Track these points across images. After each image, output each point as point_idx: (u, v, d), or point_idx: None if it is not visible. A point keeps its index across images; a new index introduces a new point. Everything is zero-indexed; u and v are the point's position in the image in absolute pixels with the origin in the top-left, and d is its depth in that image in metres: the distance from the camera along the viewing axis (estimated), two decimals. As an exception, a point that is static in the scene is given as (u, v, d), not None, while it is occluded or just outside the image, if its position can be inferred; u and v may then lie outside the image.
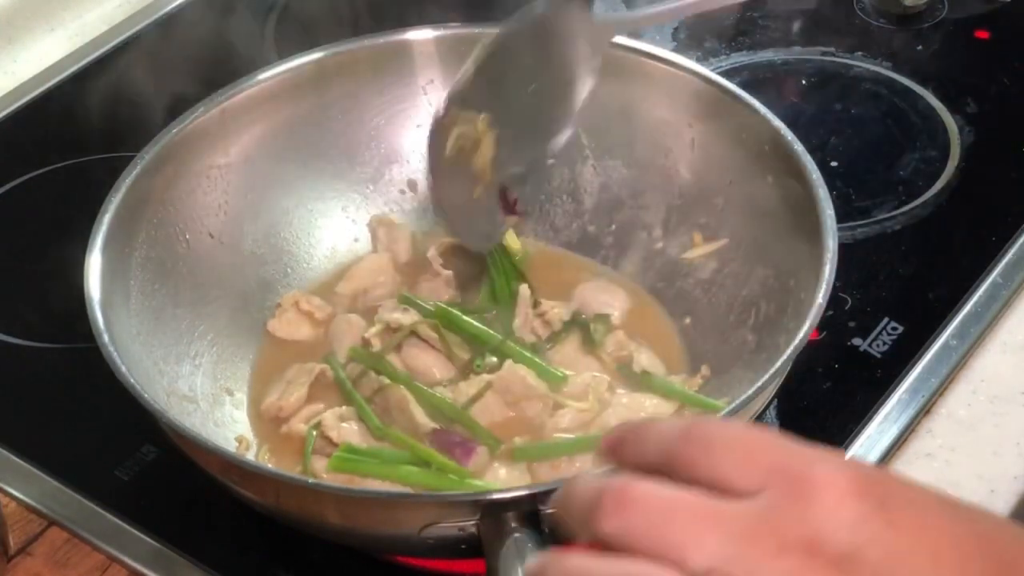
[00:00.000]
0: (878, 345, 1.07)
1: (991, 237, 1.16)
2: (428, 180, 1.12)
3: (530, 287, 1.08)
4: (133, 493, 1.00)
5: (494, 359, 1.03)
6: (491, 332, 1.04)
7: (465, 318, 1.04)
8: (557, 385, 1.01)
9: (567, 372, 1.02)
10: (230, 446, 0.99)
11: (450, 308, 1.05)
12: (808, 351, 0.90)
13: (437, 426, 0.98)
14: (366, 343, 1.05)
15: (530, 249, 1.15)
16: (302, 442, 0.99)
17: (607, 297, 1.10)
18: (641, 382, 1.02)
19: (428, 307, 1.06)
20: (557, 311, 1.07)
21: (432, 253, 1.13)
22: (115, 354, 0.89)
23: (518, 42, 1.02)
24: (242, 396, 1.05)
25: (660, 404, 1.00)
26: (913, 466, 1.00)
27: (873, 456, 0.99)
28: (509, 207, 1.03)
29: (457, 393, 1.00)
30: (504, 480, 0.95)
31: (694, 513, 0.55)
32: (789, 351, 0.87)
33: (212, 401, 1.02)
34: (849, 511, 0.55)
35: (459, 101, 1.03)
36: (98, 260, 0.96)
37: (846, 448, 1.00)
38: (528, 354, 1.02)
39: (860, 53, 1.37)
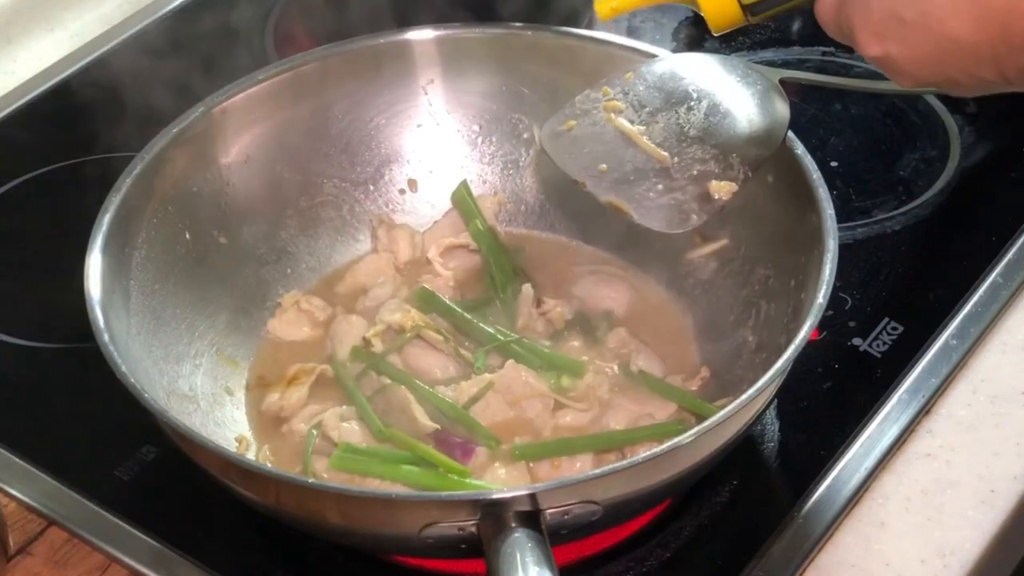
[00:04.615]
0: (878, 345, 1.07)
1: (991, 237, 1.16)
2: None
3: (532, 284, 1.08)
4: (133, 493, 1.00)
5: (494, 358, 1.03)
6: (504, 331, 1.04)
7: (481, 325, 1.05)
8: (571, 376, 1.02)
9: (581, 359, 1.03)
10: (230, 446, 0.99)
11: (460, 308, 1.06)
12: (808, 351, 0.90)
13: (438, 426, 0.98)
14: (367, 343, 1.05)
15: (529, 240, 1.16)
16: (302, 442, 0.99)
17: (608, 290, 1.10)
18: (640, 382, 1.02)
19: (447, 303, 1.06)
20: (560, 310, 1.07)
21: (432, 253, 1.13)
22: (115, 354, 0.89)
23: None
24: (242, 396, 1.05)
25: (661, 405, 1.00)
26: (913, 466, 1.00)
27: (873, 456, 0.99)
28: None
29: (459, 392, 1.00)
30: (504, 480, 0.95)
31: None
32: (789, 351, 0.88)
33: (212, 401, 1.02)
34: None
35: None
36: (98, 260, 0.96)
37: (846, 448, 1.00)
38: (540, 346, 1.03)
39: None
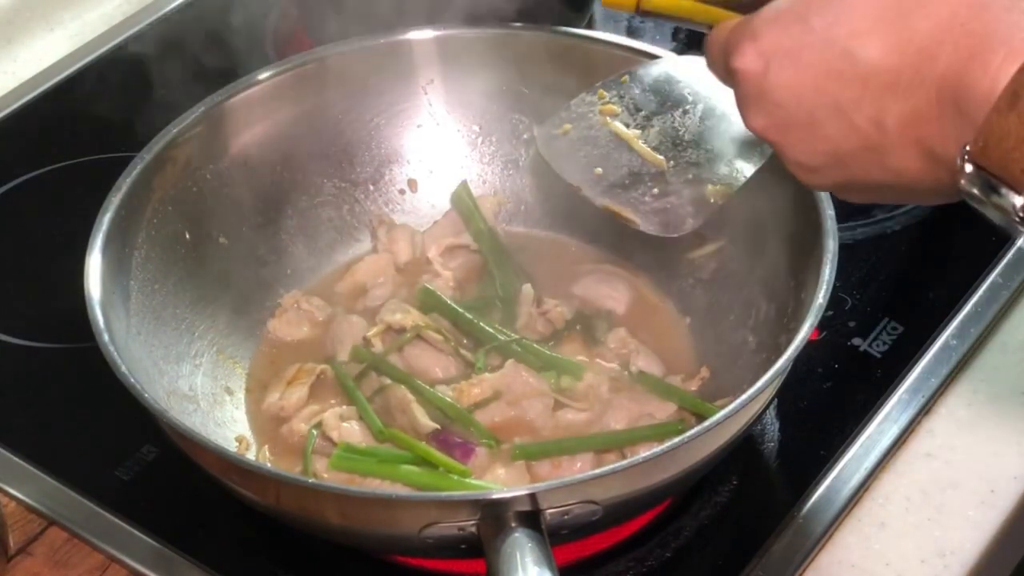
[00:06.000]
0: (878, 345, 1.07)
1: (991, 237, 1.16)
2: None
3: (532, 284, 1.08)
4: (133, 493, 1.00)
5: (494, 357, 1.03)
6: (505, 331, 1.04)
7: (481, 324, 1.05)
8: (571, 377, 1.01)
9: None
10: (230, 446, 0.99)
11: (460, 307, 1.06)
12: (808, 351, 0.90)
13: (438, 426, 0.98)
14: (367, 343, 1.05)
15: (529, 240, 1.16)
16: (302, 442, 0.99)
17: (609, 289, 1.10)
18: (640, 382, 1.02)
19: (448, 302, 1.06)
20: (560, 309, 1.07)
21: (432, 253, 1.13)
22: (115, 354, 0.89)
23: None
24: (242, 396, 1.05)
25: (661, 406, 1.00)
26: (913, 466, 1.00)
27: (873, 456, 0.99)
28: None
29: (459, 392, 1.00)
30: (504, 480, 0.95)
31: None
32: (789, 351, 0.88)
33: (212, 401, 1.03)
34: None
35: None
36: (98, 260, 0.96)
37: (846, 448, 1.00)
38: (540, 348, 1.03)
39: (860, 53, 1.37)
